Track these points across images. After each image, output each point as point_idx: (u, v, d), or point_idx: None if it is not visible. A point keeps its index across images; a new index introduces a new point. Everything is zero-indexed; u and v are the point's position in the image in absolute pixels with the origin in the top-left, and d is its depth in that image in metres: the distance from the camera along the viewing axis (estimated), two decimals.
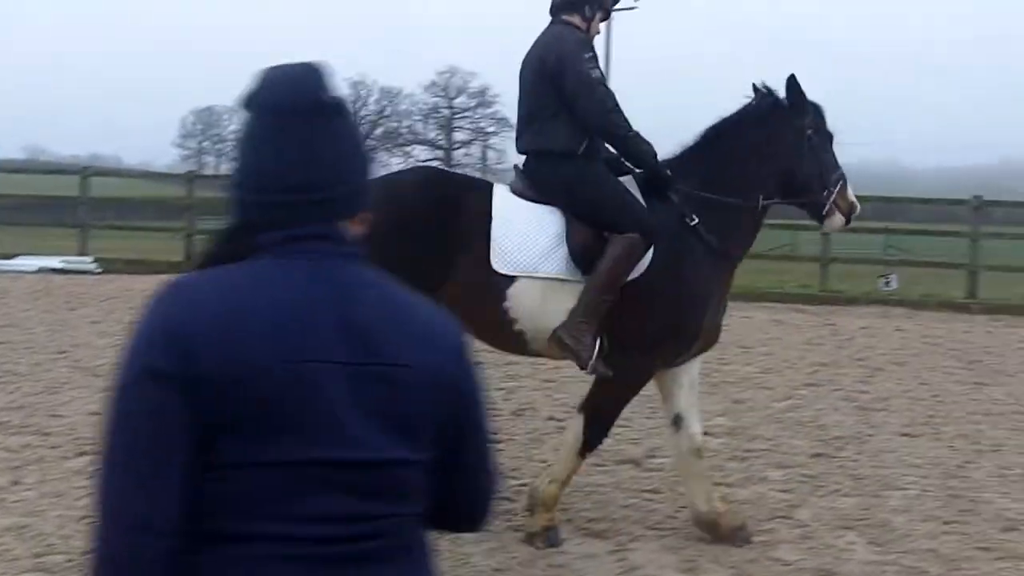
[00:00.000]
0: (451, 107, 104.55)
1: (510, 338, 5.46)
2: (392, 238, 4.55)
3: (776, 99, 5.85)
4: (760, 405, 9.11)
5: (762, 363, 11.33)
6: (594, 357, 5.24)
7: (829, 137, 5.96)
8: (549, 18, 5.70)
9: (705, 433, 7.64)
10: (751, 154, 5.75)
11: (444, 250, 5.20)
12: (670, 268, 5.40)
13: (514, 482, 6.49)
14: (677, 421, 5.70)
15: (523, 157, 5.67)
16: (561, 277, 5.32)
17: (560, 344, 5.25)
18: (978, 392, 10.00)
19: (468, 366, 2.03)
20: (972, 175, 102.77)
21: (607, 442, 7.21)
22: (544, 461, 6.94)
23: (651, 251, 5.32)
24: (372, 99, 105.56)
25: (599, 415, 5.60)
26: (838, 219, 5.95)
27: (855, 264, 20.28)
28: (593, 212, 5.38)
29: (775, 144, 5.79)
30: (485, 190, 5.57)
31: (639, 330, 5.39)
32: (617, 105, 5.44)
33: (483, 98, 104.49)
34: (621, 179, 5.58)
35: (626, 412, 8.17)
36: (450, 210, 5.27)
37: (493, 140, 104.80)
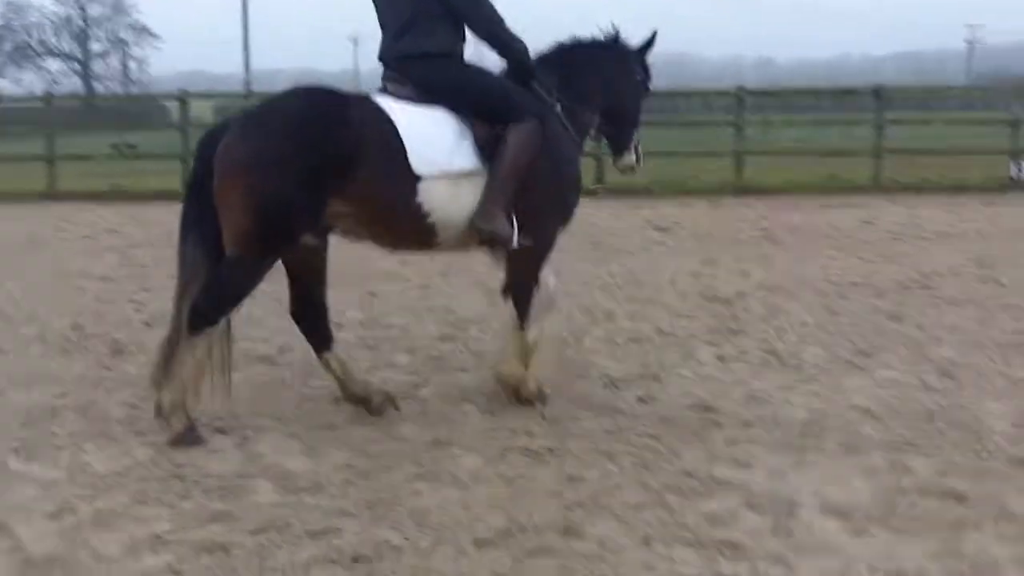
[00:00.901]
0: (85, 17, 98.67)
1: (422, 235, 5.73)
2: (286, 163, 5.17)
3: (624, 40, 6.51)
4: (394, 295, 9.37)
5: (401, 257, 11.57)
6: (515, 234, 5.75)
7: (647, 91, 6.70)
8: None
9: (337, 325, 7.90)
10: (596, 73, 6.34)
11: (336, 163, 5.32)
12: (554, 149, 5.95)
13: (139, 390, 6.43)
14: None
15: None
16: (468, 170, 5.69)
17: (479, 231, 5.72)
18: (598, 268, 10.68)
19: None
20: None
21: (241, 342, 7.32)
22: None
23: None
24: None
25: (521, 290, 6.15)
26: (631, 158, 6.70)
27: None
28: (488, 107, 5.79)
29: (619, 74, 6.47)
30: (367, 101, 5.64)
31: (539, 207, 5.89)
32: (501, 17, 5.92)
33: (119, 6, 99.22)
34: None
35: (257, 312, 8.27)
36: (338, 126, 5.38)
37: (133, 50, 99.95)
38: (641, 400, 6.16)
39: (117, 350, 7.45)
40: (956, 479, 4.89)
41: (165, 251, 12.01)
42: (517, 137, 5.73)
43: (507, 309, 6.26)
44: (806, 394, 6.27)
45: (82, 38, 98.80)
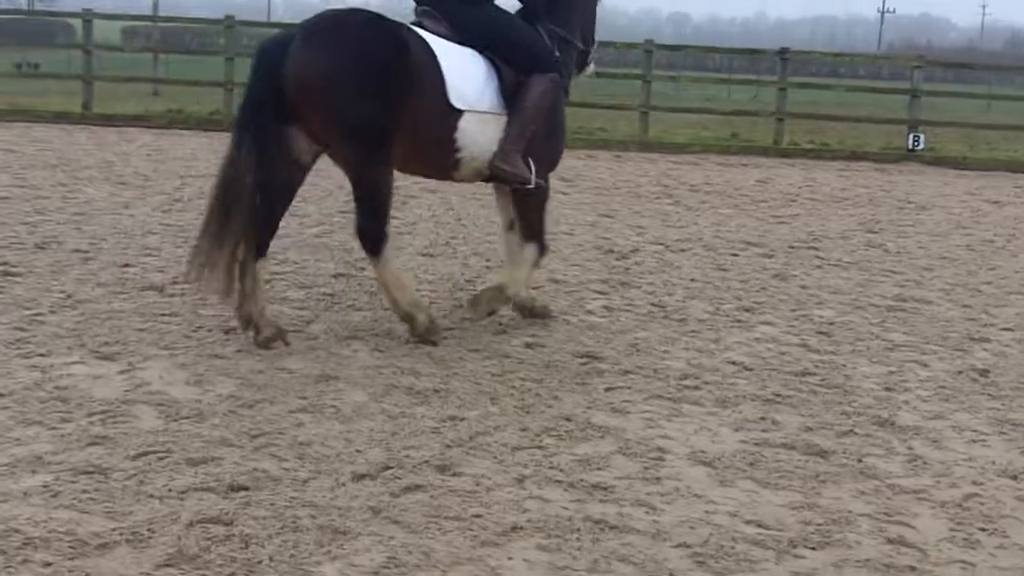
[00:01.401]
0: None
1: (446, 165, 6.26)
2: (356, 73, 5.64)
3: None
4: (293, 232, 9.35)
5: (301, 193, 11.50)
6: (533, 175, 6.30)
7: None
8: None
9: None
10: (579, 4, 6.90)
11: (399, 87, 5.76)
12: (558, 98, 6.54)
13: (27, 312, 6.39)
14: (512, 225, 6.73)
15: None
16: (494, 111, 6.19)
17: (499, 171, 6.24)
18: (496, 215, 10.74)
19: None
20: None
21: (132, 270, 7.29)
22: (64, 292, 6.88)
23: None
24: None
25: (536, 231, 6.66)
26: (593, 67, 7.31)
27: None
28: (516, 55, 6.30)
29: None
30: (416, 34, 6.04)
31: (546, 151, 6.54)
32: None
33: None
34: None
35: (154, 242, 8.24)
36: (401, 52, 5.81)
37: None
38: (528, 345, 6.29)
39: (6, 272, 7.34)
40: (821, 436, 5.10)
41: (58, 174, 11.88)
42: (539, 87, 6.27)
43: (511, 242, 6.79)
44: (687, 347, 6.46)
45: None
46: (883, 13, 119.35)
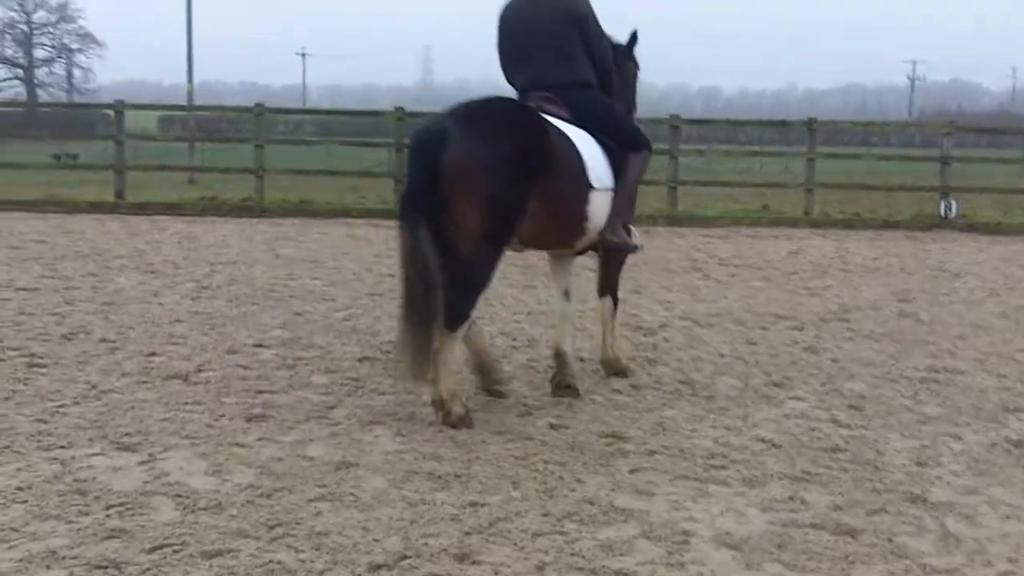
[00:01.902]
0: (29, 22, 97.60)
1: (574, 237, 6.77)
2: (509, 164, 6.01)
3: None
4: (320, 316, 9.36)
5: (330, 277, 11.60)
6: (635, 239, 7.19)
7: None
8: None
9: (259, 345, 7.91)
10: (628, 79, 7.74)
11: (542, 171, 6.20)
12: None
13: (51, 404, 6.40)
14: (567, 294, 7.23)
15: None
16: (609, 187, 6.76)
17: (610, 242, 6.94)
18: (525, 294, 10.74)
19: None
20: None
21: (158, 359, 7.30)
22: (88, 383, 6.89)
23: None
24: None
25: (614, 287, 7.52)
26: None
27: None
28: (621, 134, 6.95)
29: (633, 76, 7.85)
30: (549, 120, 6.54)
31: (632, 216, 7.31)
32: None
33: (64, 13, 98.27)
34: None
35: (181, 330, 8.27)
36: (544, 138, 6.30)
37: (78, 58, 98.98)
38: (552, 427, 6.21)
39: (32, 363, 7.37)
40: (851, 515, 4.98)
41: (89, 263, 11.98)
42: (637, 163, 7.01)
43: (601, 305, 7.53)
44: (714, 425, 6.36)
45: (26, 44, 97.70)
46: (913, 80, 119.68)
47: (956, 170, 20.36)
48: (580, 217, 6.58)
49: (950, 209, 18.66)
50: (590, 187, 6.54)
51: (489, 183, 5.92)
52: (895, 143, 63.33)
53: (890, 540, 4.70)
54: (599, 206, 6.67)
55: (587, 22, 6.97)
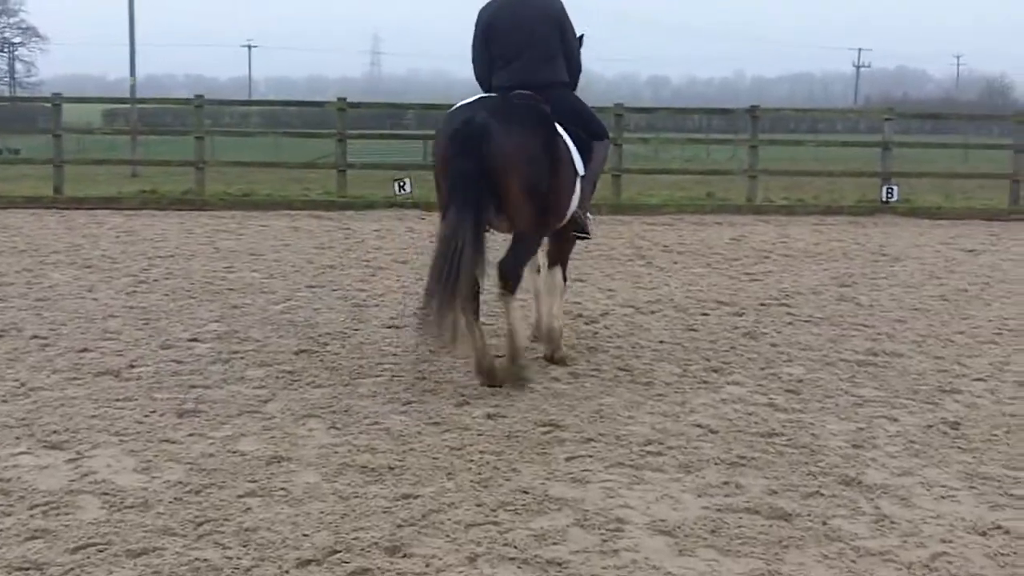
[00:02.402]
0: None
1: (563, 219, 7.36)
2: (545, 151, 6.90)
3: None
4: (257, 309, 9.24)
5: (269, 269, 11.47)
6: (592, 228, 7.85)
7: None
8: None
9: (194, 339, 7.81)
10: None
11: (560, 159, 7.08)
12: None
13: None
14: (540, 268, 7.90)
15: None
16: (582, 173, 7.38)
17: (581, 220, 7.57)
18: None
19: None
20: None
21: (90, 355, 7.18)
22: (17, 381, 6.75)
23: None
24: None
25: (566, 260, 7.99)
26: None
27: (373, 170, 20.78)
28: (589, 128, 7.60)
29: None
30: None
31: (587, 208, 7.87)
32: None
33: (6, 6, 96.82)
34: None
35: (116, 326, 8.14)
36: (556, 133, 7.11)
37: (20, 51, 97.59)
38: (489, 416, 6.16)
39: None
40: (786, 499, 4.97)
41: (24, 259, 11.77)
42: (601, 152, 7.78)
43: (550, 276, 7.82)
44: (652, 411, 6.34)
45: None
46: (859, 68, 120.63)
47: (898, 155, 20.52)
48: (569, 200, 7.24)
49: (892, 194, 18.78)
50: (576, 174, 7.27)
51: (533, 172, 6.76)
52: (840, 129, 63.85)
53: (824, 523, 4.69)
54: (578, 190, 7.35)
55: (565, 25, 7.58)
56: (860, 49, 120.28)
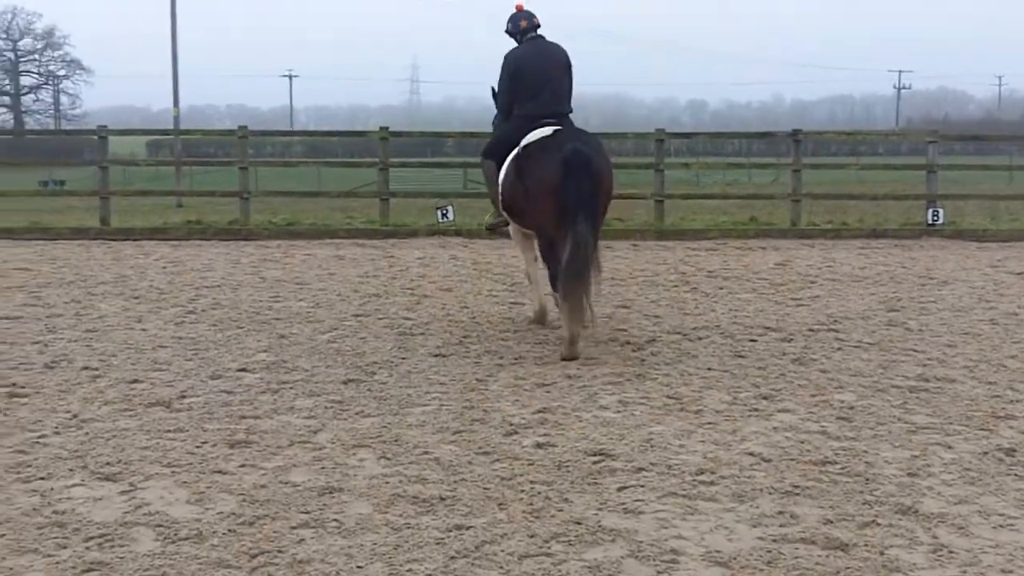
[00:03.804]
0: (16, 50, 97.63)
1: None
2: None
3: None
4: (304, 339, 9.28)
5: (315, 298, 11.53)
6: None
7: None
8: (536, 31, 9.79)
9: (243, 369, 7.84)
10: None
11: None
12: None
13: (31, 434, 6.32)
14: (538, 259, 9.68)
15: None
16: None
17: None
18: (511, 311, 10.69)
19: None
20: None
21: (141, 386, 7.22)
22: (70, 412, 6.81)
23: None
24: None
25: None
26: None
27: (415, 198, 20.88)
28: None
29: None
30: None
31: None
32: None
33: (51, 39, 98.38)
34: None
35: (166, 356, 8.19)
36: None
37: (65, 84, 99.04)
38: (538, 445, 6.14)
39: (13, 393, 7.29)
40: (842, 528, 4.91)
41: (73, 290, 11.89)
42: None
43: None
44: (703, 440, 6.29)
45: (13, 71, 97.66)
46: (899, 89, 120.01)
47: (942, 178, 20.36)
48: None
49: (937, 216, 18.63)
50: None
51: (612, 187, 9.10)
52: (882, 152, 63.48)
53: (882, 553, 4.63)
54: None
55: (571, 70, 9.65)
56: (900, 71, 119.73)
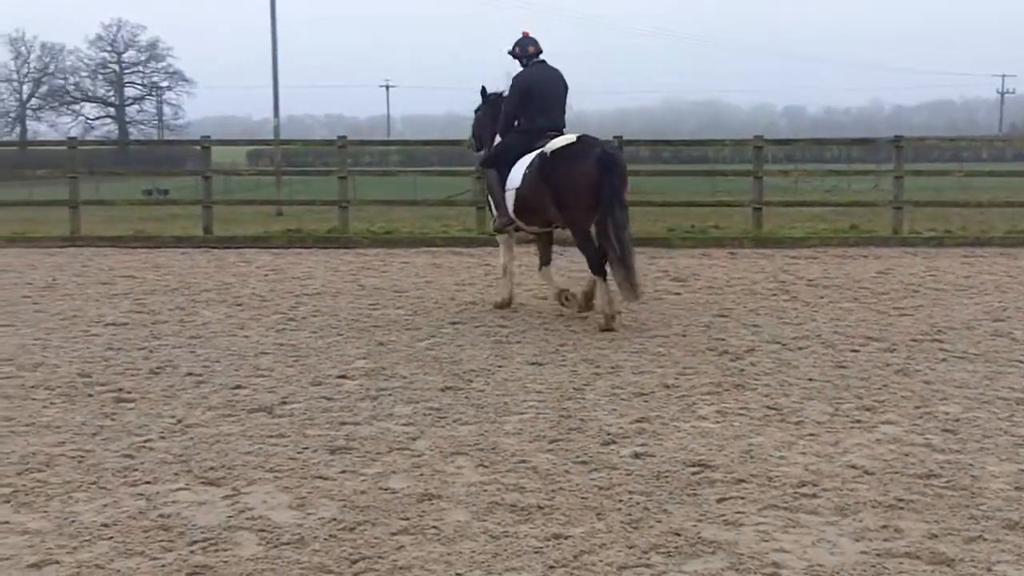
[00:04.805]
0: (120, 62, 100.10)
1: None
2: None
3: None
4: (403, 346, 9.36)
5: (413, 306, 11.63)
6: None
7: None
8: (539, 56, 11.27)
9: (343, 376, 7.93)
10: None
11: None
12: None
13: (137, 439, 6.47)
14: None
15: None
16: None
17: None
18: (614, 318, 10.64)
19: None
20: None
21: (244, 392, 7.35)
22: (174, 417, 6.95)
23: None
24: (33, 56, 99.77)
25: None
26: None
27: None
28: None
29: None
30: None
31: None
32: None
33: (154, 51, 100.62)
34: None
35: (267, 363, 8.32)
36: None
37: (168, 95, 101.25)
38: (636, 455, 6.11)
39: (119, 399, 7.47)
40: (947, 543, 4.81)
41: (177, 297, 12.14)
42: None
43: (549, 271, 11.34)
44: (804, 452, 6.20)
45: (117, 83, 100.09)
46: (1003, 94, 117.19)
47: None
48: None
49: None
50: None
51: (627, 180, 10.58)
52: (986, 158, 62.05)
53: (988, 570, 4.52)
54: None
55: (568, 90, 11.25)
56: (1004, 75, 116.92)
